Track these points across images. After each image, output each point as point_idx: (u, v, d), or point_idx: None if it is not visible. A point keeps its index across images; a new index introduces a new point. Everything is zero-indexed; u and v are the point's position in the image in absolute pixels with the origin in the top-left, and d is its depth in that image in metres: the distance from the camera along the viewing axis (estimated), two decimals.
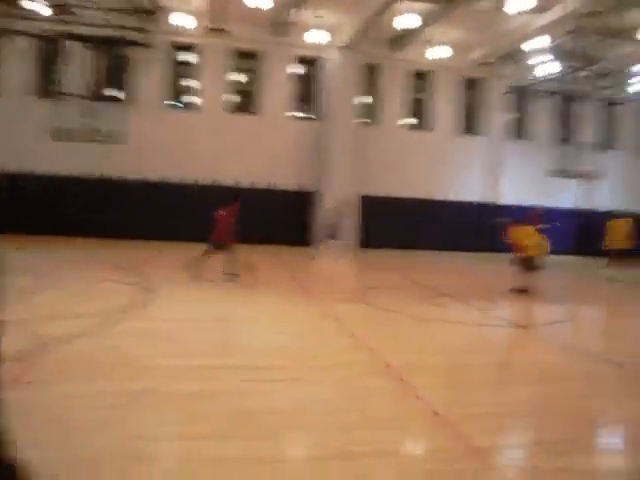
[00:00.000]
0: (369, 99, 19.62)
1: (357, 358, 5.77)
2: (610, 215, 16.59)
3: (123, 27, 14.44)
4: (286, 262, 14.17)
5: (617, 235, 13.29)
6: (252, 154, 17.95)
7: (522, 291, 10.62)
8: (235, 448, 3.50)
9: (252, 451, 3.47)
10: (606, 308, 10.86)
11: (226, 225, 10.24)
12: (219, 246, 10.19)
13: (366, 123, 19.16)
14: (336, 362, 5.68)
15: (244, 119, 18.29)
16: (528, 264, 10.61)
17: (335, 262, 15.61)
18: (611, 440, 4.31)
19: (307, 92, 19.82)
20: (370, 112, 19.54)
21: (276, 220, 17.89)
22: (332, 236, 17.09)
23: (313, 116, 19.10)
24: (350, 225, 17.57)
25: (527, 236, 10.69)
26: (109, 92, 17.41)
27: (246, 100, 19.36)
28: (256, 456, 3.41)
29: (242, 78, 19.37)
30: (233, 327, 7.09)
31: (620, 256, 13.59)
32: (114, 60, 16.86)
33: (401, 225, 18.35)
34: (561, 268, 16.70)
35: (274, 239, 17.59)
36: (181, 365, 5.10)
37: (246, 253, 15.37)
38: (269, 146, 18.13)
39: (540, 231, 15.88)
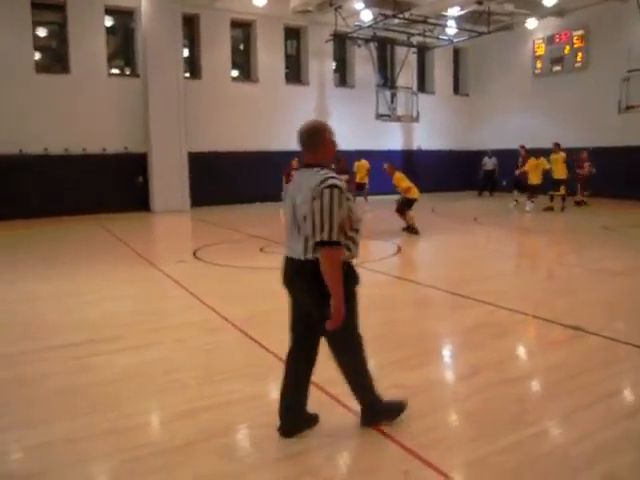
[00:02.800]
0: (191, 52, 18.81)
1: (195, 317, 5.73)
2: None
3: None
4: (117, 228, 13.24)
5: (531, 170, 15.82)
6: (66, 117, 16.31)
7: (412, 230, 11.41)
8: (73, 427, 3.31)
9: (93, 426, 3.31)
10: (437, 240, 11.87)
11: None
12: None
13: (189, 77, 18.39)
14: (175, 323, 5.61)
15: (53, 79, 16.46)
16: (409, 205, 11.44)
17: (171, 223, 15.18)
18: (438, 353, 4.80)
19: (125, 47, 18.42)
20: (192, 65, 18.78)
21: (108, 186, 16.70)
22: None
23: (133, 72, 17.89)
24: (178, 185, 17.01)
25: (406, 179, 11.42)
26: None
27: (53, 58, 17.46)
28: (98, 430, 3.26)
29: (45, 33, 17.38)
30: (60, 303, 6.48)
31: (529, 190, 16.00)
32: None
33: (229, 179, 18.21)
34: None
35: (109, 207, 16.44)
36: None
37: (73, 223, 14.29)
38: (85, 108, 16.59)
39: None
